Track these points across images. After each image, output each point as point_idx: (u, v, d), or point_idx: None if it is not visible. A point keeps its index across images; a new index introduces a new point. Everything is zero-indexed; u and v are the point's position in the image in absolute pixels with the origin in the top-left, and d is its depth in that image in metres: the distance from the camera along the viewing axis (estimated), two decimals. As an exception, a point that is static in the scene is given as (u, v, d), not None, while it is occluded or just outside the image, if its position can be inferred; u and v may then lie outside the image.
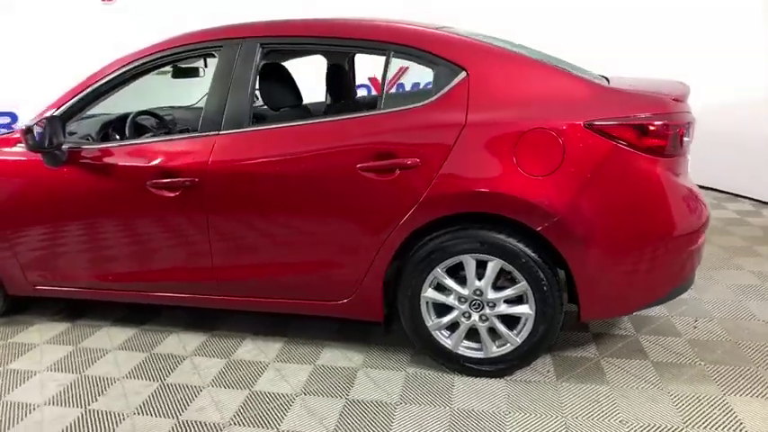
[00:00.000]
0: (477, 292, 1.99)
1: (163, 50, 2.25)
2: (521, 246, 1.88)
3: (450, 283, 2.01)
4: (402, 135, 1.93)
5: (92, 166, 2.26)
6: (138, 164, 2.21)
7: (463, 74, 1.92)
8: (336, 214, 2.03)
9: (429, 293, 2.04)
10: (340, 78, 2.95)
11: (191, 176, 2.12)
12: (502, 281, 2.00)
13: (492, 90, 1.91)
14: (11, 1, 5.01)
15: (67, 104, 2.32)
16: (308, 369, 2.19)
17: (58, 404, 2.05)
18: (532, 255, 1.88)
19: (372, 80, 6.22)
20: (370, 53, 2.10)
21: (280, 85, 2.37)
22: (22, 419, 1.97)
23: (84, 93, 2.31)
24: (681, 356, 2.17)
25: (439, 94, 1.94)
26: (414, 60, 2.02)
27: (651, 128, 1.79)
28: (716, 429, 1.76)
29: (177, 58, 2.28)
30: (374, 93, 6.16)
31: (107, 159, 2.26)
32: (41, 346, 2.51)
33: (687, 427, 1.77)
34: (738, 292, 2.71)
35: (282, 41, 2.17)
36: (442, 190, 1.87)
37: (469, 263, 1.96)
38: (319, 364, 2.22)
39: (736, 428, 1.75)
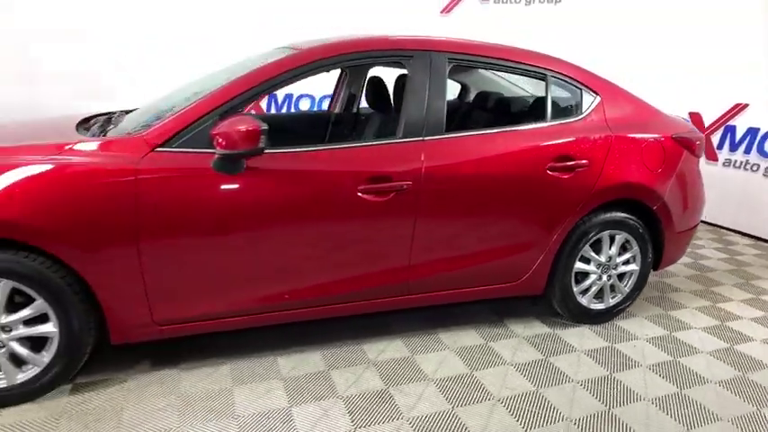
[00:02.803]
0: (608, 260, 2.69)
1: (352, 51, 2.20)
2: (639, 221, 2.67)
3: (593, 254, 2.65)
4: (574, 141, 2.47)
5: (283, 173, 2.02)
6: (350, 169, 2.10)
7: (599, 98, 2.61)
8: (530, 206, 2.42)
9: (578, 265, 2.64)
10: None
11: (405, 180, 2.17)
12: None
13: (615, 111, 2.64)
14: None
15: (236, 100, 2.01)
16: None
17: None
18: (644, 227, 2.69)
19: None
20: (532, 76, 2.56)
21: None
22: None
23: (256, 87, 2.04)
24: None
25: (587, 112, 2.57)
26: (562, 85, 2.58)
27: (696, 139, 2.83)
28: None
29: (364, 61, 2.27)
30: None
31: (306, 164, 2.06)
32: (192, 402, 2.02)
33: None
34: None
35: (465, 58, 2.40)
36: (606, 183, 2.50)
37: (606, 238, 2.65)
38: None
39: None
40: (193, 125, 1.96)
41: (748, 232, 4.52)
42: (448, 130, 2.30)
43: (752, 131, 4.44)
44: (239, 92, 2.02)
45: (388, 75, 2.89)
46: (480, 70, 3.21)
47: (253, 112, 5.82)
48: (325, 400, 2.05)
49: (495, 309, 2.88)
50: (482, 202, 2.35)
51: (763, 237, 4.42)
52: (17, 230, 1.74)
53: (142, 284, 1.94)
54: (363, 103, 3.72)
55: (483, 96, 3.10)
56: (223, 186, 1.95)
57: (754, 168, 4.45)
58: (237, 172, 1.94)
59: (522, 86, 3.59)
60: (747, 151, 4.48)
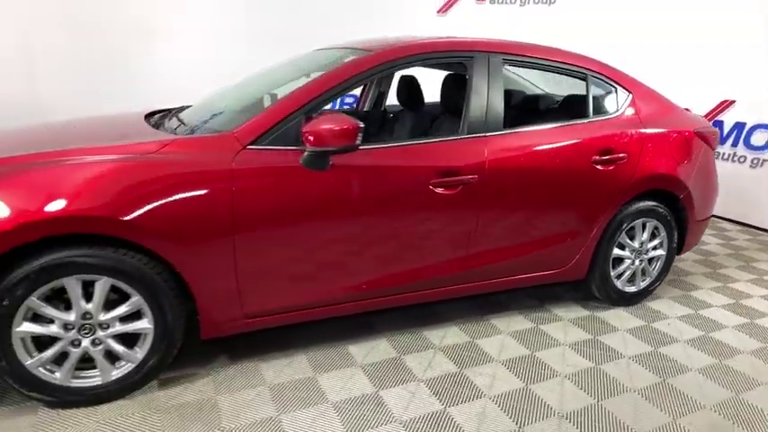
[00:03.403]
0: (641, 245, 2.90)
1: (422, 52, 2.33)
2: (667, 209, 2.89)
3: (628, 241, 2.85)
4: (614, 136, 2.66)
5: (365, 168, 2.11)
6: (423, 164, 2.21)
7: (631, 95, 2.81)
8: (578, 196, 2.60)
9: (615, 251, 2.83)
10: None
11: (471, 174, 2.30)
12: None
13: (645, 107, 2.84)
14: None
15: (317, 100, 2.09)
16: None
17: None
18: (671, 215, 2.91)
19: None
20: (574, 75, 2.72)
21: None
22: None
23: (336, 86, 2.12)
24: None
25: (622, 108, 2.76)
26: (599, 83, 2.77)
27: (712, 133, 3.08)
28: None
29: (431, 61, 2.40)
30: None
31: (384, 160, 2.16)
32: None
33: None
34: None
35: (518, 59, 2.54)
36: (642, 174, 2.70)
37: (639, 226, 2.86)
38: None
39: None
40: (280, 124, 2.02)
41: (737, 219, 4.88)
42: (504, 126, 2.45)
43: (738, 126, 4.79)
44: (321, 91, 2.10)
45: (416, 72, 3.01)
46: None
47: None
48: (407, 383, 2.16)
49: (534, 295, 3.04)
50: (537, 194, 2.50)
51: (751, 223, 4.78)
52: (119, 227, 1.77)
53: (235, 278, 1.99)
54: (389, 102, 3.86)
55: (527, 95, 3.25)
56: (311, 182, 2.02)
57: (741, 160, 4.80)
58: (325, 168, 2.02)
59: (537, 84, 3.79)
60: (735, 144, 4.83)
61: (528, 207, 2.50)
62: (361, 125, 1.92)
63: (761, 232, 4.64)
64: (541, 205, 2.53)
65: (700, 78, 4.94)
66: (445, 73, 2.78)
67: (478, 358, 2.37)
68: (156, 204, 1.81)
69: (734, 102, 4.81)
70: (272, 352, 2.34)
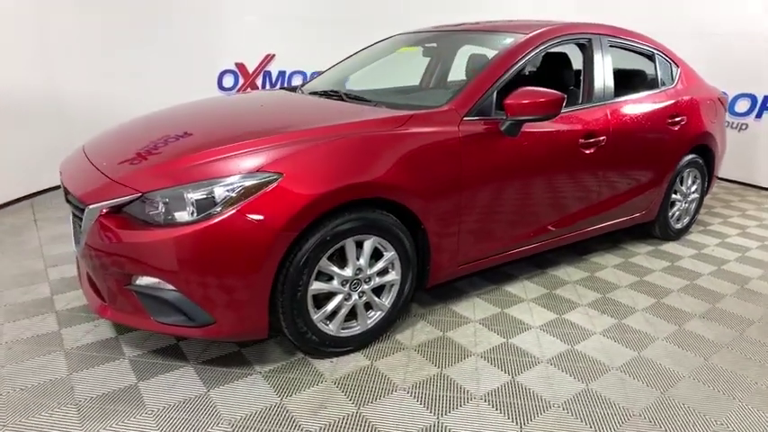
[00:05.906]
0: (686, 190, 3.63)
1: (566, 33, 2.81)
2: (702, 161, 3.65)
3: (680, 186, 3.57)
4: (677, 102, 3.32)
5: (542, 133, 2.54)
6: (575, 128, 2.68)
7: (680, 69, 3.49)
8: (661, 151, 3.23)
9: (673, 196, 3.54)
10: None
11: (603, 136, 2.81)
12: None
13: (689, 78, 3.55)
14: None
15: (503, 78, 2.46)
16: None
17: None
18: (705, 165, 3.68)
19: (239, 66, 6.07)
20: (645, 53, 3.31)
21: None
22: (614, 343, 2.31)
23: (510, 66, 2.51)
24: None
25: (676, 80, 3.44)
26: (659, 61, 3.40)
27: (725, 99, 3.88)
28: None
29: (568, 41, 2.84)
30: (240, 77, 6.04)
31: (552, 125, 2.58)
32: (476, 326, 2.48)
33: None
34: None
35: (615, 40, 3.06)
36: (695, 133, 3.41)
37: (686, 175, 3.58)
38: None
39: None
40: (482, 98, 2.37)
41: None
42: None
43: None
44: (504, 69, 2.47)
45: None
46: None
47: (250, 89, 5.84)
48: (575, 310, 2.66)
49: (606, 239, 3.67)
50: (638, 150, 3.09)
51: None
52: (389, 190, 2.05)
53: (458, 230, 2.34)
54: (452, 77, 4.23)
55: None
56: (507, 146, 2.41)
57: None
58: (517, 134, 2.41)
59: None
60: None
61: (633, 162, 3.09)
62: (564, 96, 2.34)
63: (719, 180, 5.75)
64: (641, 160, 3.14)
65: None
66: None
67: (607, 287, 2.93)
68: (410, 169, 2.10)
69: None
70: (451, 298, 2.71)
